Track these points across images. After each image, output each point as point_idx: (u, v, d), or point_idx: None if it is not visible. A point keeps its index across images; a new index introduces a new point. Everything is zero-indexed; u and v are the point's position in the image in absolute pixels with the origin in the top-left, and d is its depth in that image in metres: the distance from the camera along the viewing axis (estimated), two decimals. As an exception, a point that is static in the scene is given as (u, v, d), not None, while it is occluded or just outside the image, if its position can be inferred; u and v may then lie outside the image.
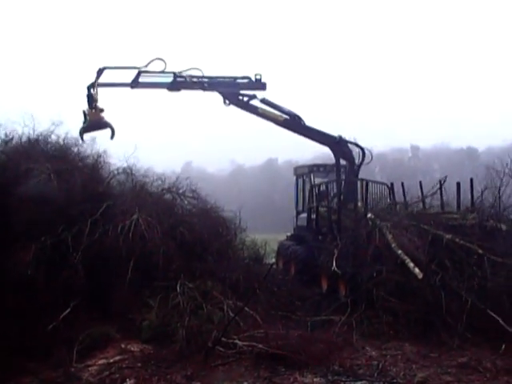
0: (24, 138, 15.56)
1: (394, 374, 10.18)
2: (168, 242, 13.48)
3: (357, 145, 19.36)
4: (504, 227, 14.10)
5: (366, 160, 19.21)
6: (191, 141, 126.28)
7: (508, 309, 11.90)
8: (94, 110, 17.25)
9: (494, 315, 11.78)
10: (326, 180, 19.57)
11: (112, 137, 17.33)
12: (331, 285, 15.66)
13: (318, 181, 20.24)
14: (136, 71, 17.93)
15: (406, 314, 12.53)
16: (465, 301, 12.06)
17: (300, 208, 22.13)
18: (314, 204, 19.29)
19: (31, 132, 15.65)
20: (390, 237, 14.13)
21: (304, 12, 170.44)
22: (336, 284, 15.31)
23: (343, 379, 9.89)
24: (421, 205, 16.86)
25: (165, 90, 18.25)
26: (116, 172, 15.72)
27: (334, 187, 18.77)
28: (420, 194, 17.14)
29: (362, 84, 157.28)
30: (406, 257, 13.27)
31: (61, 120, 15.93)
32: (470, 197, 15.61)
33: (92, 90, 17.27)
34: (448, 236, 13.77)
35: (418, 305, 12.51)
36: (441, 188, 16.32)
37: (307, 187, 21.08)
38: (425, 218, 15.11)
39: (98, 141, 17.14)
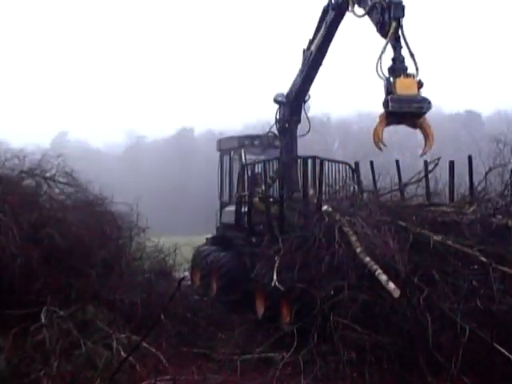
0: None
1: None
2: (29, 249, 13.14)
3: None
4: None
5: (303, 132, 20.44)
6: (68, 107, 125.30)
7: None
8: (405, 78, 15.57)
9: (504, 351, 11.81)
10: (262, 158, 19.67)
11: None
12: (270, 307, 15.83)
13: (251, 159, 20.35)
14: None
15: (376, 348, 12.50)
16: (461, 330, 12.01)
17: (226, 198, 22.39)
18: (246, 192, 19.29)
19: None
20: (353, 238, 14.08)
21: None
22: (277, 306, 15.46)
23: None
24: (398, 193, 17.00)
25: None
26: None
27: (274, 167, 18.76)
28: (397, 177, 17.15)
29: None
30: (376, 266, 13.18)
31: None
32: (468, 182, 15.67)
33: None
34: (437, 237, 13.82)
35: (394, 335, 12.51)
36: (426, 174, 16.39)
37: (236, 168, 21.28)
38: (404, 212, 15.24)
39: None
